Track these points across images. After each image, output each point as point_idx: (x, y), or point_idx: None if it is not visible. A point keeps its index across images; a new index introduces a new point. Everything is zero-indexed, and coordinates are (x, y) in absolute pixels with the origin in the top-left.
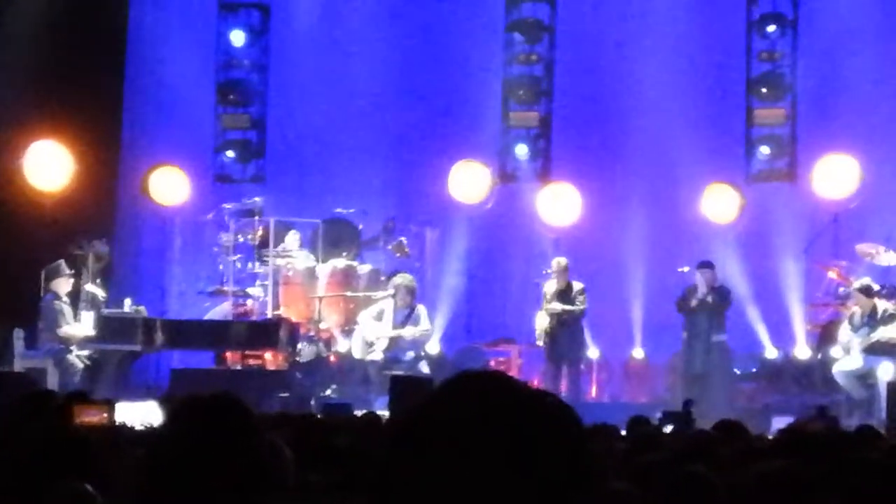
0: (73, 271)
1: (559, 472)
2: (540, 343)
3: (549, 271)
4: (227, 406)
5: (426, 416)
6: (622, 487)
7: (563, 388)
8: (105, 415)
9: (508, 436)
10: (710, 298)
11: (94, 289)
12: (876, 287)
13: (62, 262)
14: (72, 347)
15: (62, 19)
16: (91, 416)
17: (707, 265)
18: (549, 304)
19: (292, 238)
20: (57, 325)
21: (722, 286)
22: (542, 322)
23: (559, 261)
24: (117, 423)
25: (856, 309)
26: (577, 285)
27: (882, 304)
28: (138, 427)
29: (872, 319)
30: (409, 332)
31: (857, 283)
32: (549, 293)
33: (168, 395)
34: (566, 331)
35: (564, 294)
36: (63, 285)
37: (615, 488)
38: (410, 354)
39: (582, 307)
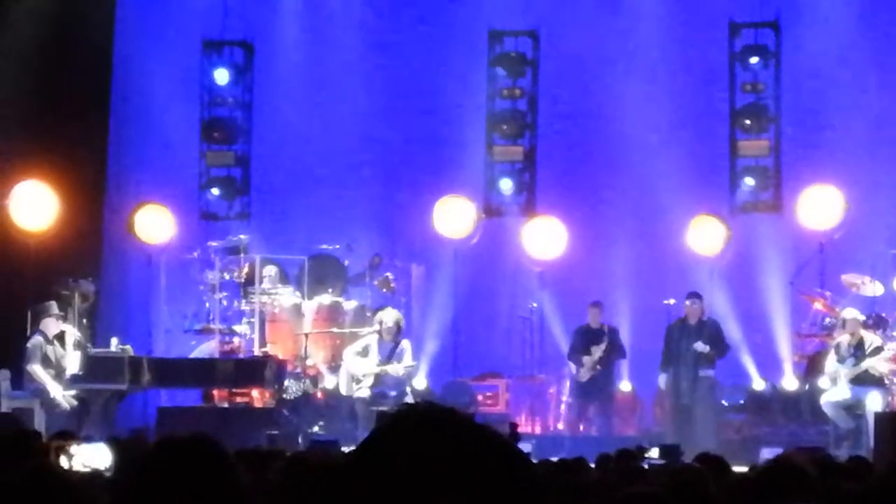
0: (62, 313)
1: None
2: (583, 379)
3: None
4: (202, 447)
5: (366, 454)
6: None
7: (584, 425)
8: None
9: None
10: (702, 328)
11: (71, 329)
12: (862, 318)
13: (53, 302)
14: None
15: (46, 59)
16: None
17: (695, 296)
18: (593, 353)
19: (269, 273)
20: (28, 363)
21: (712, 319)
22: (589, 362)
23: (599, 305)
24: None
25: (841, 339)
26: (608, 328)
27: (868, 336)
28: (81, 469)
29: (859, 350)
30: (393, 368)
31: (850, 313)
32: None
33: (116, 436)
34: (605, 371)
35: (598, 334)
36: (51, 325)
37: None
38: (393, 393)
39: (623, 350)
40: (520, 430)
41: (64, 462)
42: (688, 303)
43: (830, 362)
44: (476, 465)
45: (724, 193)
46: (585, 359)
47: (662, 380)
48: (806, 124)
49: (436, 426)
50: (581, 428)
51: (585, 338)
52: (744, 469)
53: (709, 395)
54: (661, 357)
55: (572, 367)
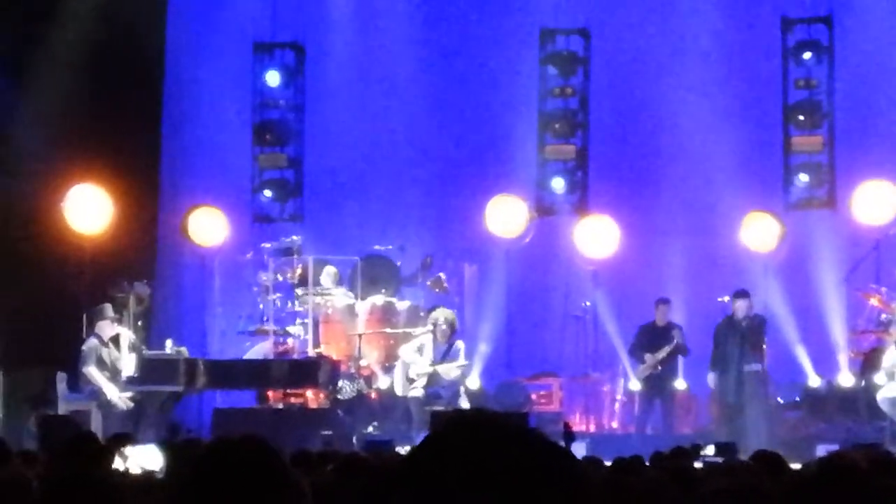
0: (118, 315)
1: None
2: (640, 377)
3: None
4: (254, 448)
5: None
6: None
7: (650, 422)
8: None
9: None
10: (744, 323)
11: (126, 331)
12: None
13: (107, 304)
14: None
15: (99, 64)
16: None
17: (742, 294)
18: (660, 352)
19: (328, 273)
20: (84, 365)
21: (756, 315)
22: (652, 360)
23: (667, 302)
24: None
25: None
26: (674, 326)
27: None
28: (136, 471)
29: None
30: (447, 368)
31: None
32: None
33: (167, 438)
34: (666, 369)
35: (664, 332)
36: (107, 328)
37: None
38: (447, 393)
39: (685, 349)
40: (574, 429)
41: (120, 464)
42: (735, 300)
43: (889, 357)
44: (525, 472)
45: (777, 190)
46: (647, 356)
47: (711, 379)
48: (860, 119)
49: (486, 434)
50: (647, 427)
51: (651, 336)
52: (800, 466)
53: (758, 391)
54: (712, 356)
55: (627, 364)
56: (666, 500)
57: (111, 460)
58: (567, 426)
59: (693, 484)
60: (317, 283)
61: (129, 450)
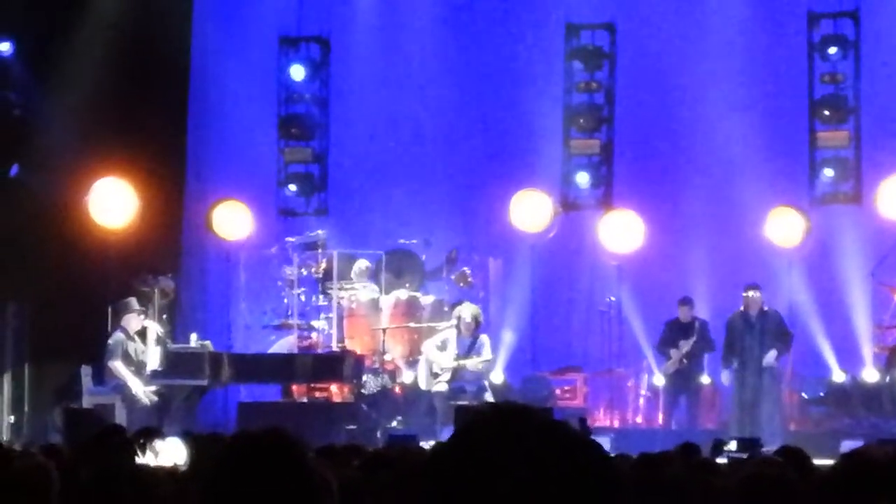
0: (143, 308)
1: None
2: (667, 373)
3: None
4: (277, 441)
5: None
6: None
7: (675, 417)
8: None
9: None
10: (760, 318)
11: (154, 325)
12: None
13: (132, 298)
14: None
15: (125, 58)
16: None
17: (754, 287)
18: (681, 347)
19: (360, 267)
20: (110, 359)
21: (772, 310)
22: (676, 355)
23: (688, 302)
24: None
25: None
26: (699, 322)
27: None
28: (164, 465)
29: None
30: (472, 362)
31: None
32: (674, 331)
33: (191, 431)
34: (691, 365)
35: (689, 328)
36: (133, 322)
37: None
38: (472, 388)
39: (711, 344)
40: (598, 424)
41: (149, 458)
42: (748, 294)
43: None
44: (555, 465)
45: (803, 185)
46: (672, 352)
47: (725, 376)
48: (886, 114)
49: (513, 427)
50: (672, 422)
51: (676, 332)
52: (824, 462)
53: (773, 386)
54: (724, 351)
55: (652, 360)
56: (692, 494)
57: (137, 454)
58: (582, 422)
59: (718, 477)
60: (345, 276)
61: (157, 444)
